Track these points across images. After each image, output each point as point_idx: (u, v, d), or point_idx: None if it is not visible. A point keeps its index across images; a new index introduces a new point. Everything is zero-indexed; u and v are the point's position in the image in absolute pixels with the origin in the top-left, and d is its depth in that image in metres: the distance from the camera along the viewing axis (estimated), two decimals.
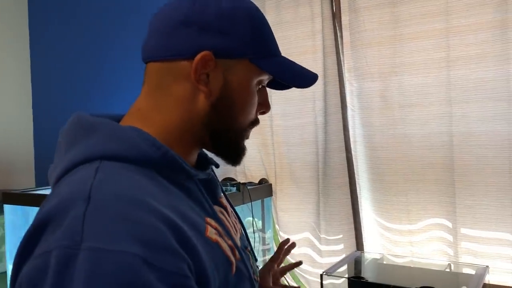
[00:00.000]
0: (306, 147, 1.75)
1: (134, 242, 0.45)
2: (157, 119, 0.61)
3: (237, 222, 0.72)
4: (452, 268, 1.38)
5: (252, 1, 0.66)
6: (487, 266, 1.24)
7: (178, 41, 0.59)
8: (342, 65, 1.66)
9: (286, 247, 0.94)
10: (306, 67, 0.69)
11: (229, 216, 0.68)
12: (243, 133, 0.66)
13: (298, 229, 1.79)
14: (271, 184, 1.85)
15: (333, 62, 1.65)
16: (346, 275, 1.26)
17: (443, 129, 1.46)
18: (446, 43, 1.43)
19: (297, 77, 0.67)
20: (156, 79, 0.62)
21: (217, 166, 0.70)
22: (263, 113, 0.68)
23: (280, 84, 0.69)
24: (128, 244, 0.44)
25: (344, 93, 1.67)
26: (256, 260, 0.75)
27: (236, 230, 0.67)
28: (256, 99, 0.65)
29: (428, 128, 1.49)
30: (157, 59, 0.61)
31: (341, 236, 1.67)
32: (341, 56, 1.67)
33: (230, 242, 0.61)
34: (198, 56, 0.58)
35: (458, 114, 1.43)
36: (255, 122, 0.67)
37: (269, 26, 0.65)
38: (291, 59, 0.66)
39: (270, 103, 0.69)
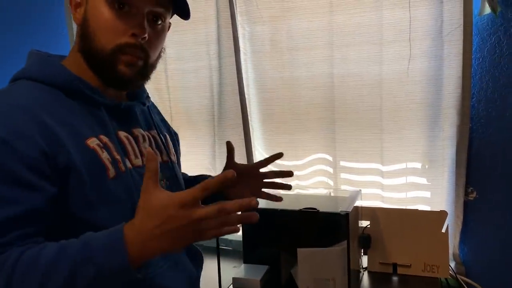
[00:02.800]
0: (201, 91, 1.78)
1: (3, 129, 0.64)
2: (70, 54, 0.79)
3: (164, 153, 0.89)
4: (332, 194, 1.54)
5: None
6: (360, 190, 1.41)
7: None
8: (235, 8, 1.69)
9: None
10: (198, 8, 0.84)
11: (137, 142, 0.82)
12: (113, 55, 0.74)
13: (194, 171, 1.83)
14: None
15: (226, 4, 1.66)
16: None
17: (325, 71, 1.58)
18: None
19: None
20: None
21: (143, 104, 0.88)
22: (135, 35, 0.74)
23: (182, 11, 0.82)
24: None
25: (237, 36, 1.70)
26: (182, 187, 0.92)
27: (137, 155, 0.80)
28: (112, 21, 0.73)
29: (312, 70, 1.60)
30: None
31: None
32: None
33: (118, 156, 0.75)
34: None
35: (338, 57, 1.56)
36: (128, 45, 0.74)
37: None
38: None
39: (146, 34, 0.76)
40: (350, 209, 1.20)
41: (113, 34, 0.73)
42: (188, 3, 0.83)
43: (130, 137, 0.81)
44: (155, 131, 0.91)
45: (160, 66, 1.80)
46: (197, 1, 1.67)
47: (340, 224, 1.21)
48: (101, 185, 0.70)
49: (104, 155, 0.72)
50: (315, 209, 1.24)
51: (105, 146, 0.74)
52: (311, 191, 1.61)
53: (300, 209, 1.24)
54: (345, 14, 1.53)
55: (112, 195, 0.71)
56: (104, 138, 0.74)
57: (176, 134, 1.03)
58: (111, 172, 0.73)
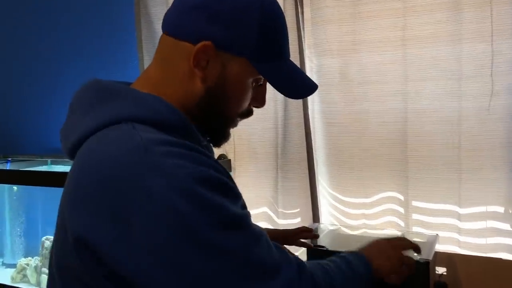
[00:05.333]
0: (266, 123, 1.76)
1: (218, 175, 0.59)
2: (166, 92, 0.66)
3: None
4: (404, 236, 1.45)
5: None
6: (437, 234, 1.31)
7: (187, 24, 0.64)
8: (303, 41, 1.68)
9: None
10: None
11: None
12: (232, 122, 0.74)
13: (256, 204, 1.81)
14: (230, 160, 1.85)
15: (294, 38, 1.65)
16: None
17: (398, 106, 1.51)
18: (403, 22, 1.48)
19: (292, 87, 0.73)
20: (166, 51, 0.68)
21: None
22: (257, 107, 0.75)
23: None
24: (205, 167, 0.58)
25: (304, 69, 1.68)
26: None
27: None
28: (249, 95, 0.71)
29: (384, 105, 1.54)
30: (169, 34, 0.67)
31: (298, 210, 1.71)
32: (301, 32, 1.68)
33: None
34: (199, 45, 0.63)
35: (412, 92, 1.49)
36: (247, 113, 0.75)
37: (281, 30, 0.70)
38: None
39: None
40: (430, 257, 1.11)
41: (245, 104, 0.72)
42: None
43: None
44: None
45: None
46: None
47: (418, 272, 1.12)
48: None
49: None
50: None
51: None
52: (379, 232, 1.52)
53: None
54: (420, 48, 1.46)
55: None
56: None
57: None
58: None
